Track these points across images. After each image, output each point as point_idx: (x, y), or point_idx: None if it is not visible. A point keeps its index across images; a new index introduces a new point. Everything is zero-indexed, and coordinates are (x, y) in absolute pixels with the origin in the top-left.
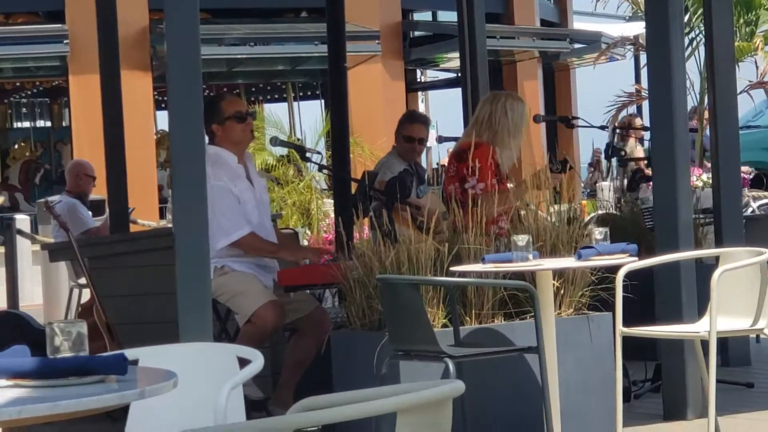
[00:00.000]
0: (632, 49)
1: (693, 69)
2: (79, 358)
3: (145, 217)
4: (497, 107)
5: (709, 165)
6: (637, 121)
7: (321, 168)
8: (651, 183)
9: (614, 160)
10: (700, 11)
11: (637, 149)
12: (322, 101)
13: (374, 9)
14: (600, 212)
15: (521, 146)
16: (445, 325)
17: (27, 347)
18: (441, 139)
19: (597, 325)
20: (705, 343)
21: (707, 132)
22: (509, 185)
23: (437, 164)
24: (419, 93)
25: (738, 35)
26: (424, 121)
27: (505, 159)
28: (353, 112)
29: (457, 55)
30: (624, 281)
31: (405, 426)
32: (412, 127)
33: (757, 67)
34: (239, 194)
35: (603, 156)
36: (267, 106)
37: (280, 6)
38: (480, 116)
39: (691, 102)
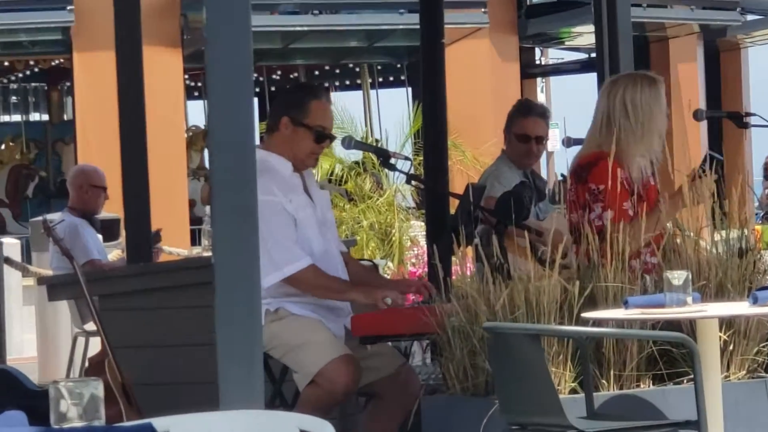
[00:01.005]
0: None
1: None
2: (93, 429)
3: (173, 242)
4: (615, 102)
5: None
6: None
7: (409, 179)
8: None
9: None
10: None
11: None
12: (410, 89)
13: None
14: None
15: (669, 149)
16: (574, 391)
17: (23, 414)
18: (569, 142)
19: None
20: None
21: None
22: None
23: (562, 175)
24: (538, 79)
25: None
26: (541, 113)
27: (635, 170)
28: (452, 104)
29: (590, 29)
30: None
31: None
32: (526, 122)
33: None
34: (294, 212)
35: None
36: (336, 95)
37: None
38: (596, 116)
39: None
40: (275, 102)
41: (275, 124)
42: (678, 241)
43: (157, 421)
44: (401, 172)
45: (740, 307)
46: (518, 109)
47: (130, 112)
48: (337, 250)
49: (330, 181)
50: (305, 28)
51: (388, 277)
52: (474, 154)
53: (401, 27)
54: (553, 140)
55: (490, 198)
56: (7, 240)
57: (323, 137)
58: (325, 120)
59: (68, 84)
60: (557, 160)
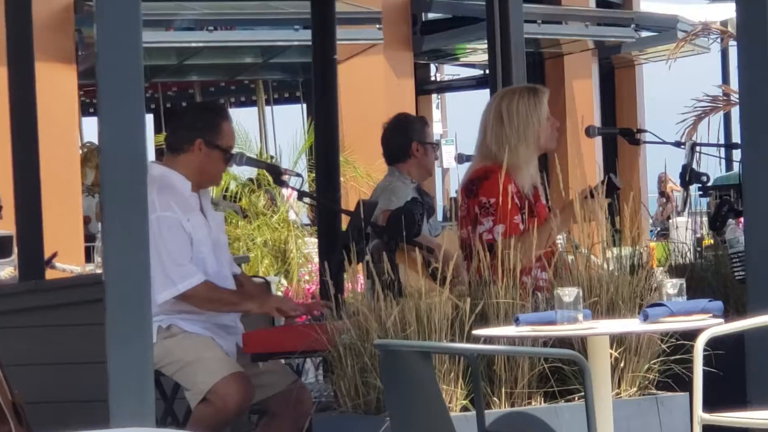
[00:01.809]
0: (719, 40)
1: None
2: None
3: (67, 260)
4: (491, 112)
5: None
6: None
7: (301, 195)
8: (742, 219)
9: (694, 188)
10: None
11: None
12: (305, 105)
13: None
14: (674, 258)
15: (564, 166)
16: (465, 408)
17: None
18: (462, 158)
19: (668, 410)
20: None
21: None
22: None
23: (456, 191)
24: (434, 95)
25: None
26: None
27: (520, 178)
28: (346, 121)
29: (483, 45)
30: (706, 350)
31: None
32: (430, 131)
33: None
34: (192, 231)
35: (679, 183)
36: (231, 112)
37: None
38: (479, 130)
39: None
40: (185, 123)
41: (187, 145)
42: (570, 257)
43: None
44: (293, 188)
45: (631, 324)
46: (423, 121)
47: (23, 128)
48: (230, 272)
49: (225, 197)
50: (200, 44)
51: (281, 293)
52: (367, 169)
53: (296, 43)
54: (449, 157)
55: (387, 212)
56: None
57: (231, 157)
58: (232, 139)
59: None
60: (452, 177)
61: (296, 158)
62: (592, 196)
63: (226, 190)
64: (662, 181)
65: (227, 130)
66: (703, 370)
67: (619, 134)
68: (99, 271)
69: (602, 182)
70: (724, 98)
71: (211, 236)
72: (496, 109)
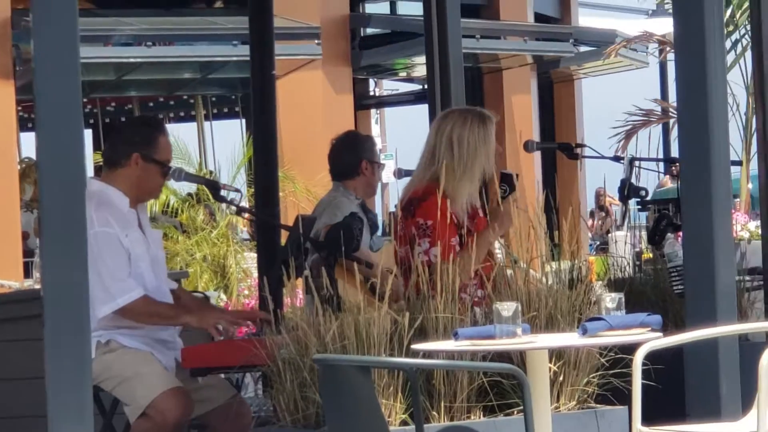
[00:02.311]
0: (657, 54)
1: (737, 82)
2: None
3: (5, 275)
4: (442, 138)
5: (758, 211)
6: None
7: (240, 211)
8: (680, 233)
9: (632, 203)
10: (746, 4)
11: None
12: (244, 121)
13: None
14: (613, 272)
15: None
16: (405, 423)
17: None
18: (401, 173)
19: (608, 423)
20: None
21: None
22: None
23: (396, 206)
24: (372, 110)
25: None
26: None
27: (456, 202)
28: (285, 136)
29: (422, 60)
30: (644, 364)
31: None
32: (377, 151)
33: None
34: (130, 247)
35: (618, 197)
36: (170, 127)
37: None
38: (424, 150)
39: (734, 125)
40: (121, 138)
41: (124, 159)
42: (509, 272)
43: None
44: (231, 204)
45: (570, 338)
46: (369, 138)
47: None
48: (167, 287)
49: (164, 212)
50: (139, 60)
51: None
52: (307, 185)
53: (235, 59)
54: (388, 172)
55: (328, 226)
56: None
57: (168, 170)
58: (169, 153)
59: None
60: (391, 192)
61: (235, 173)
62: (503, 198)
63: (167, 206)
64: (600, 195)
65: (164, 143)
66: (642, 384)
67: (558, 149)
68: (37, 286)
69: (502, 181)
70: (663, 113)
71: (149, 252)
72: (447, 136)
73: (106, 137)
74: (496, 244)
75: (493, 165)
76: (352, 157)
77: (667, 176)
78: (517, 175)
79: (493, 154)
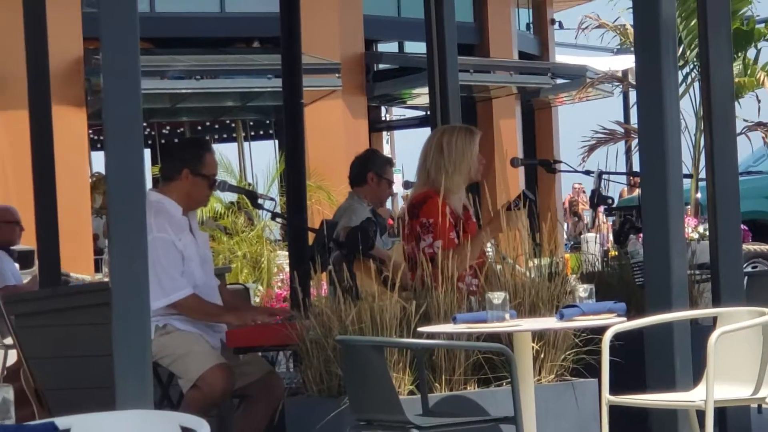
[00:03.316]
0: (621, 86)
1: (687, 108)
2: (4, 428)
3: (79, 270)
4: (432, 143)
5: (705, 216)
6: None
7: (274, 216)
8: (641, 234)
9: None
10: (695, 43)
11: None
12: (276, 141)
13: (335, 39)
14: (585, 267)
15: (492, 190)
16: (412, 392)
17: None
18: (408, 185)
19: (581, 393)
20: (701, 414)
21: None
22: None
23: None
24: (384, 132)
25: (737, 70)
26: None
27: (454, 203)
28: (310, 154)
29: (425, 90)
30: (611, 344)
31: None
32: (392, 171)
33: (759, 102)
34: (183, 249)
35: (588, 205)
36: (215, 147)
37: (229, 35)
38: (420, 159)
39: (685, 144)
40: (174, 155)
41: (176, 174)
42: (498, 267)
43: (60, 420)
44: (268, 210)
45: (549, 322)
46: (387, 160)
47: (42, 161)
48: (215, 282)
49: (215, 219)
50: (189, 91)
51: (258, 299)
52: (330, 194)
53: (269, 89)
54: (398, 184)
55: (347, 228)
56: None
57: (214, 183)
58: (215, 168)
59: None
60: (399, 201)
61: (269, 185)
62: (510, 209)
63: (214, 212)
64: (574, 203)
65: (210, 160)
66: (609, 360)
67: (539, 164)
68: (106, 279)
69: (518, 197)
70: (626, 134)
71: (199, 252)
72: (437, 141)
73: (162, 155)
74: (488, 244)
75: (477, 169)
76: (361, 168)
77: (625, 187)
78: (534, 201)
79: (476, 157)
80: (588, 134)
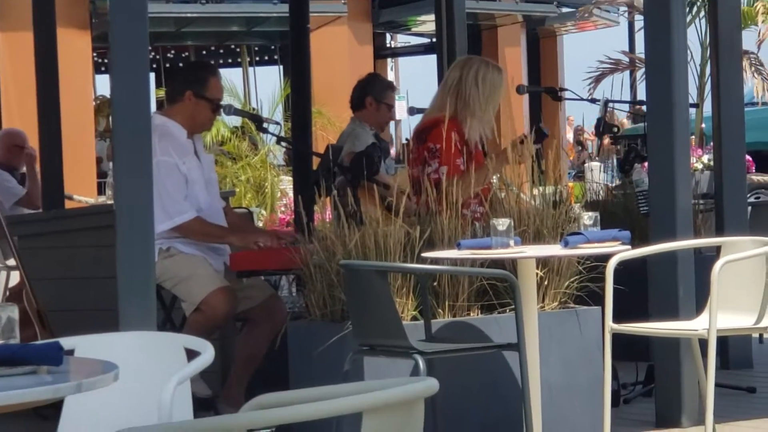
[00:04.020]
0: (626, 14)
1: (692, 39)
2: (9, 347)
3: (82, 192)
4: (468, 75)
5: (710, 146)
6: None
7: (279, 140)
8: (646, 163)
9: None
10: None
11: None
12: (281, 67)
13: None
14: (589, 196)
15: (498, 118)
16: (415, 318)
17: None
18: (413, 111)
19: (584, 321)
20: (703, 343)
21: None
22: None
23: (407, 139)
24: (389, 59)
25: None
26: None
27: (472, 131)
28: (317, 80)
29: (431, 18)
30: (615, 271)
31: (371, 428)
32: (393, 95)
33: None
34: (187, 172)
35: (594, 133)
36: (220, 71)
37: None
38: (448, 83)
39: (691, 75)
40: (179, 77)
41: (179, 95)
42: (502, 194)
43: (65, 341)
44: (272, 134)
45: (554, 249)
46: (388, 84)
47: (46, 83)
48: (219, 204)
49: (221, 144)
50: (194, 15)
51: (261, 223)
52: (334, 120)
53: (275, 15)
54: (401, 110)
55: (351, 153)
56: None
57: (219, 107)
58: (220, 93)
59: None
60: (403, 127)
61: (273, 109)
62: (523, 143)
63: (218, 136)
64: (579, 131)
65: (213, 83)
66: (613, 288)
67: (544, 92)
68: (110, 202)
69: (532, 131)
70: (630, 63)
71: (203, 175)
72: (473, 74)
73: (167, 77)
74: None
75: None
76: (360, 92)
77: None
78: (547, 136)
79: (501, 97)
80: (593, 64)
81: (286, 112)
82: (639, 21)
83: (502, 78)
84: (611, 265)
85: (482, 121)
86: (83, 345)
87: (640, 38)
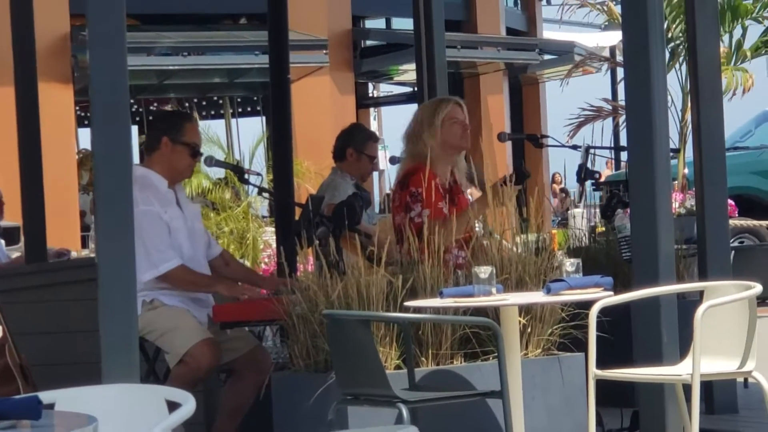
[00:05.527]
0: (606, 66)
1: (673, 84)
2: None
3: (65, 246)
4: (411, 119)
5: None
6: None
7: (261, 191)
8: (628, 209)
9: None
10: (679, 18)
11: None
12: (264, 118)
13: (322, 15)
14: (572, 242)
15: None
16: (398, 367)
17: None
18: (395, 160)
19: (568, 367)
20: (687, 388)
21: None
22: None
23: (390, 189)
24: (371, 109)
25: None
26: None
27: (440, 172)
28: (299, 131)
29: (413, 66)
30: (598, 318)
31: None
32: (375, 146)
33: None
34: (169, 222)
35: (576, 179)
36: (202, 123)
37: (216, 12)
38: (407, 131)
39: (672, 120)
40: (154, 125)
41: (156, 143)
42: (485, 242)
43: (45, 395)
44: (254, 185)
45: (536, 296)
46: (371, 135)
47: (28, 137)
48: (203, 256)
49: (203, 195)
50: (176, 67)
51: None
52: (316, 170)
53: (256, 66)
54: (384, 160)
55: (331, 205)
56: None
57: (196, 152)
58: (196, 137)
59: None
60: (386, 177)
61: (252, 153)
62: (505, 184)
63: (201, 188)
64: (556, 180)
65: (189, 128)
66: (596, 335)
67: (526, 139)
68: (92, 255)
69: (513, 171)
70: (613, 111)
71: (186, 225)
72: (414, 115)
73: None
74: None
75: (453, 134)
76: (341, 143)
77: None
78: (528, 177)
79: (442, 122)
80: (575, 111)
81: (269, 162)
82: (621, 71)
83: (437, 107)
84: (594, 311)
85: (437, 155)
86: (64, 399)
87: (621, 88)
